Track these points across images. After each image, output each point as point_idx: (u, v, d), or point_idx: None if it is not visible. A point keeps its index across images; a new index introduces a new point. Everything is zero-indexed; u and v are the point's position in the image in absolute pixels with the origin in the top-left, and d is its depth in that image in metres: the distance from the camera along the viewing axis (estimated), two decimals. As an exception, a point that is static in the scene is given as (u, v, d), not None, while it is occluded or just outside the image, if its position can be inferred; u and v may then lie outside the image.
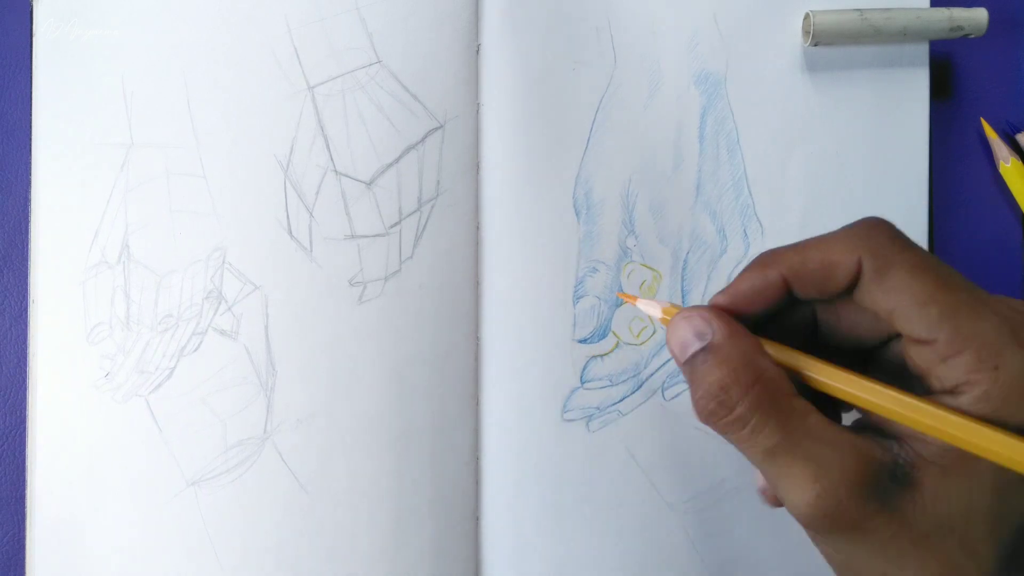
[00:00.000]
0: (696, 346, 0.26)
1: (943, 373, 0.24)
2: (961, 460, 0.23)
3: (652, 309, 0.29)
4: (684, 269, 0.37)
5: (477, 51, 0.37)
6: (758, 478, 0.27)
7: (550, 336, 0.37)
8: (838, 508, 0.23)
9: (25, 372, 0.37)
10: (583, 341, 0.37)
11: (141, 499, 0.35)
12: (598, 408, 0.37)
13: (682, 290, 0.37)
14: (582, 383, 0.37)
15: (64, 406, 0.35)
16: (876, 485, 0.23)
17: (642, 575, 0.37)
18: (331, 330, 0.36)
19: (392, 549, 0.35)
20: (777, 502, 0.26)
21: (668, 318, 0.27)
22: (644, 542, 0.37)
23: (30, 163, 0.36)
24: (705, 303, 0.27)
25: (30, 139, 0.36)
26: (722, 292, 0.27)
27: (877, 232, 0.25)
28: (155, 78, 0.36)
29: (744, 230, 0.38)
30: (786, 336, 0.27)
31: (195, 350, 0.36)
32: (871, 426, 0.26)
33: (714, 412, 0.25)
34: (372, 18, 0.36)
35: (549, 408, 0.36)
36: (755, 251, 0.38)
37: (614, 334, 0.37)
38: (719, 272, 0.38)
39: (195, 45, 0.36)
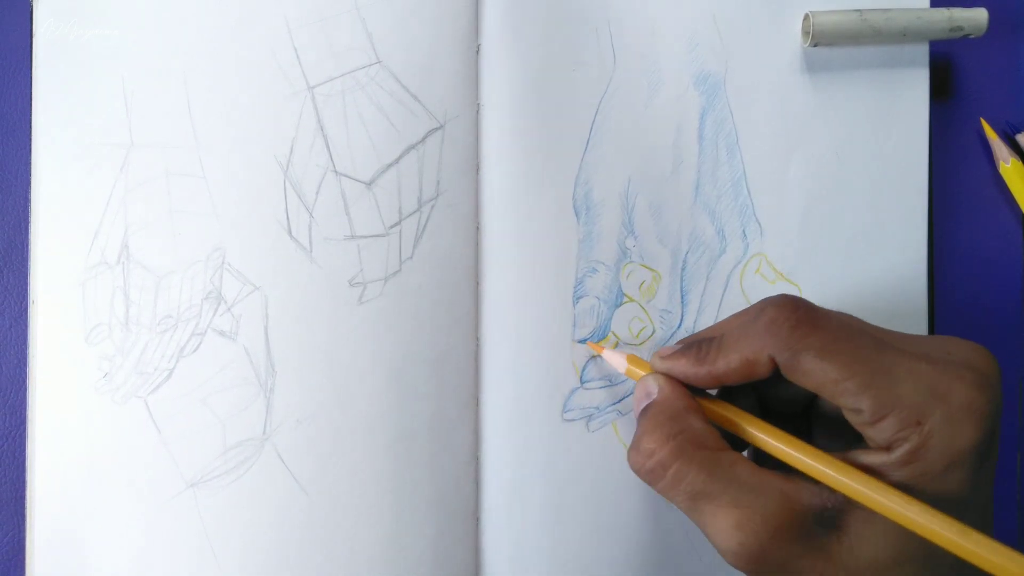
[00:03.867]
0: (644, 403, 0.29)
1: (874, 435, 0.25)
2: None
3: (616, 360, 0.33)
4: (683, 269, 0.37)
5: (477, 51, 0.37)
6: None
7: (550, 336, 0.37)
8: (761, 552, 0.24)
9: (25, 372, 0.37)
10: (583, 341, 0.37)
11: (140, 500, 0.35)
12: (598, 408, 0.37)
13: (681, 290, 0.37)
14: (582, 383, 0.37)
15: (63, 407, 0.35)
16: (801, 528, 0.25)
17: (642, 575, 0.37)
18: (331, 331, 0.36)
19: (392, 549, 0.35)
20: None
21: (632, 369, 0.32)
22: (644, 542, 0.37)
23: (30, 163, 0.36)
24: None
25: (30, 139, 0.36)
26: (661, 357, 0.30)
27: (778, 325, 0.26)
28: (155, 78, 0.36)
29: (743, 230, 0.38)
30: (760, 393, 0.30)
31: (194, 351, 0.36)
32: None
33: (636, 461, 0.28)
34: (372, 18, 0.36)
35: (549, 408, 0.36)
36: (754, 251, 0.38)
37: (613, 334, 0.37)
38: (718, 272, 0.38)
39: (195, 45, 0.36)
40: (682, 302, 0.37)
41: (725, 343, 0.28)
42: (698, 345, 0.29)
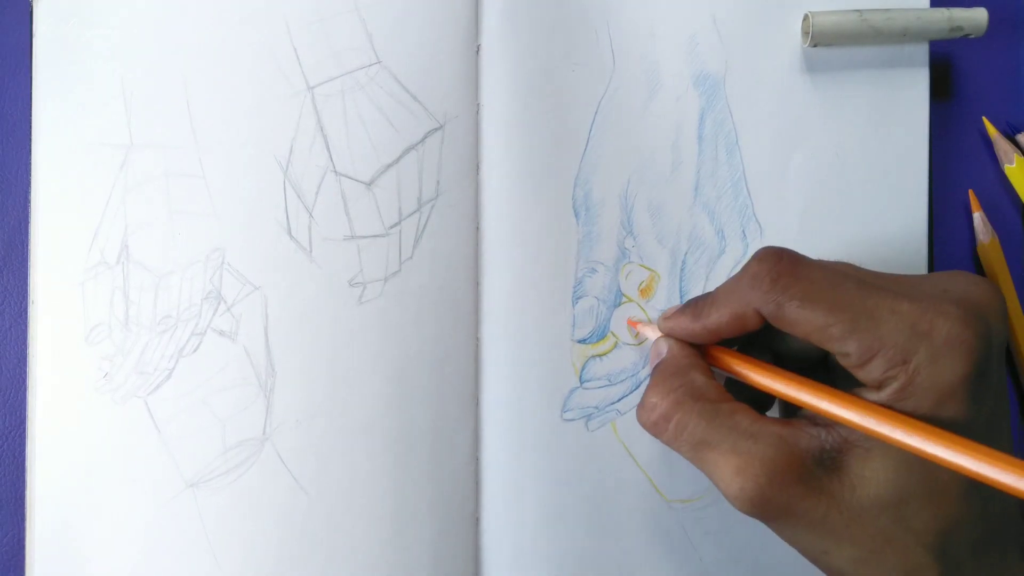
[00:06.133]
0: (655, 363, 0.31)
1: (864, 376, 0.26)
2: (882, 446, 0.25)
3: (651, 333, 0.34)
4: (682, 270, 0.37)
5: (477, 51, 0.37)
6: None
7: (549, 336, 0.37)
8: (762, 496, 0.25)
9: (25, 372, 0.37)
10: (582, 341, 0.37)
11: (140, 500, 0.35)
12: (597, 408, 0.37)
13: (680, 290, 0.37)
14: (581, 383, 0.37)
15: (63, 407, 0.35)
16: (801, 471, 0.25)
17: (642, 575, 0.37)
18: (331, 331, 0.36)
19: (392, 549, 0.35)
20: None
21: (645, 333, 0.34)
22: (644, 541, 0.37)
23: (30, 163, 0.36)
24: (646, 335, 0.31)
25: (30, 139, 0.36)
26: (664, 317, 0.32)
27: (760, 279, 0.27)
28: (155, 78, 0.36)
29: (743, 231, 0.38)
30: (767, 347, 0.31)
31: (194, 351, 0.36)
32: (805, 416, 0.28)
33: (641, 415, 0.29)
34: (372, 18, 0.36)
35: (548, 408, 0.36)
36: (753, 252, 0.38)
37: (613, 334, 0.37)
38: (717, 272, 0.38)
39: (195, 45, 0.36)
40: (681, 303, 0.37)
41: (717, 299, 0.29)
42: (694, 303, 0.31)
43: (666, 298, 0.37)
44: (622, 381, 0.37)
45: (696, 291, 0.37)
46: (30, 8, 0.37)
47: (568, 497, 0.36)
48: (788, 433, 0.26)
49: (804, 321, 0.26)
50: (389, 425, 0.36)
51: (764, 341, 0.31)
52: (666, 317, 0.32)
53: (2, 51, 0.38)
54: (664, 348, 0.31)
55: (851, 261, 0.38)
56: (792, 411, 0.32)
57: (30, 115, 0.37)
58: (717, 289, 0.30)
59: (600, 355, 0.37)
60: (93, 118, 0.36)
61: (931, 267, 0.39)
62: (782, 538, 0.27)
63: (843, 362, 0.26)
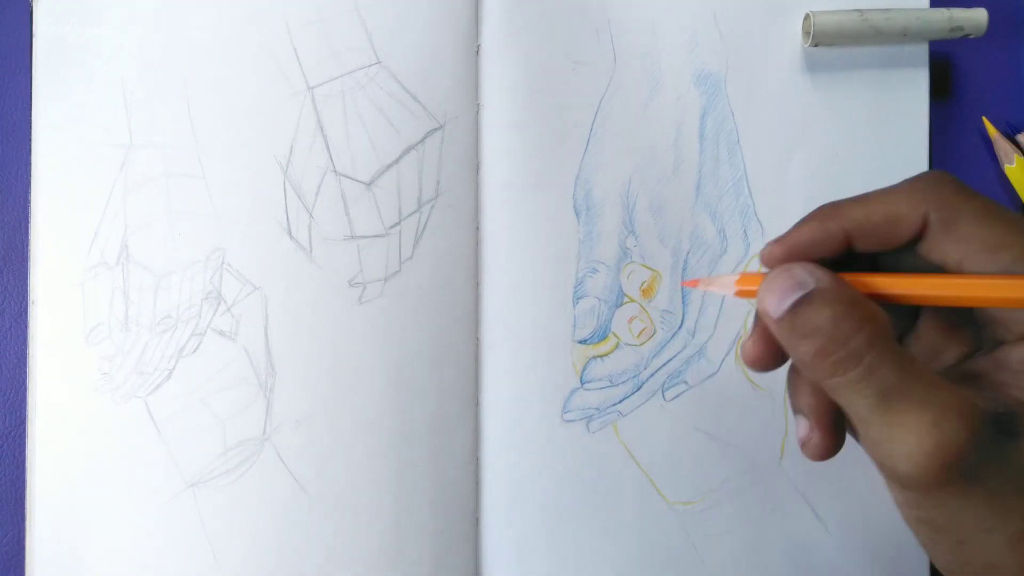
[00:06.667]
0: (798, 294, 0.24)
1: (1018, 317, 0.23)
2: None
3: (724, 287, 0.27)
4: (684, 270, 0.37)
5: (477, 51, 0.37)
6: (800, 428, 0.26)
7: (550, 336, 0.37)
8: (959, 456, 0.22)
9: (25, 372, 0.37)
10: (583, 342, 0.37)
11: (140, 500, 0.35)
12: (598, 409, 0.37)
13: (682, 291, 0.37)
14: (582, 384, 0.37)
15: (63, 407, 0.35)
16: (986, 434, 0.23)
17: (642, 575, 0.37)
18: (331, 331, 0.36)
19: (392, 549, 0.35)
20: (825, 446, 0.25)
21: (744, 287, 0.26)
22: (644, 542, 0.37)
23: (30, 163, 0.36)
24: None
25: (30, 139, 0.36)
26: (777, 242, 0.26)
27: (942, 184, 0.25)
28: (155, 78, 0.36)
29: (744, 230, 0.38)
30: None
31: (194, 351, 0.36)
32: (965, 378, 0.25)
33: (824, 349, 0.23)
34: (372, 19, 0.36)
35: (549, 408, 0.36)
36: (755, 251, 0.38)
37: (614, 335, 0.37)
38: (719, 272, 0.38)
39: (195, 45, 0.36)
40: (683, 302, 0.37)
41: (868, 197, 0.25)
42: (823, 208, 0.26)
43: (667, 298, 0.37)
44: (623, 382, 0.37)
45: (698, 291, 0.37)
46: (30, 8, 0.37)
47: (568, 497, 0.36)
48: (967, 393, 0.23)
49: (974, 239, 0.24)
50: (389, 425, 0.36)
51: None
52: (776, 241, 0.26)
53: (2, 51, 0.38)
54: (809, 277, 0.24)
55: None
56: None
57: (30, 115, 0.36)
58: (863, 194, 0.26)
59: (601, 356, 0.37)
60: (93, 118, 0.36)
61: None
62: (936, 517, 0.24)
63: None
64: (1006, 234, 0.24)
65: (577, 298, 0.37)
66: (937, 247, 0.25)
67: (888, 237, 0.25)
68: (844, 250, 0.26)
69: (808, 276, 0.24)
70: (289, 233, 0.36)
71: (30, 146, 0.36)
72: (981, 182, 0.40)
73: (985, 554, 0.23)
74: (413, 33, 0.36)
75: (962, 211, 0.24)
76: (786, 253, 0.26)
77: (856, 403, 0.23)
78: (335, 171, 0.36)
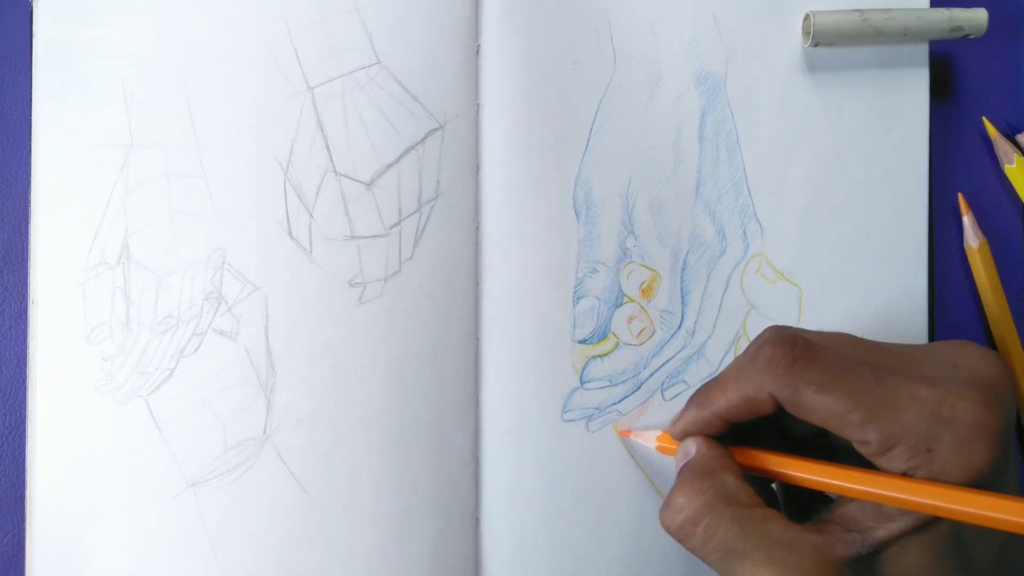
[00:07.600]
0: (682, 463, 0.29)
1: (886, 463, 0.25)
2: (918, 539, 0.25)
3: (646, 441, 0.34)
4: (684, 270, 0.37)
5: (477, 51, 0.37)
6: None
7: (550, 336, 0.37)
8: None
9: (25, 372, 0.37)
10: (583, 341, 0.37)
11: (141, 500, 0.35)
12: (598, 408, 0.37)
13: (681, 291, 0.37)
14: (582, 383, 0.37)
15: (64, 407, 0.35)
16: None
17: (642, 575, 0.37)
18: (331, 331, 0.36)
19: (392, 549, 0.35)
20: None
21: (663, 445, 0.33)
22: (644, 542, 0.37)
23: (30, 163, 0.36)
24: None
25: (30, 139, 0.36)
26: (673, 424, 0.31)
27: (775, 363, 0.26)
28: (155, 78, 0.36)
29: (744, 230, 0.38)
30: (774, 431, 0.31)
31: (195, 351, 0.36)
32: (835, 521, 0.26)
33: (666, 517, 0.27)
34: (372, 19, 0.36)
35: (549, 408, 0.36)
36: (754, 251, 0.38)
37: (614, 334, 0.37)
38: (718, 272, 0.38)
39: (195, 45, 0.36)
40: (682, 302, 0.37)
41: (724, 383, 0.28)
42: (697, 394, 0.30)
43: (667, 298, 0.37)
44: (623, 382, 0.37)
45: (696, 291, 0.37)
46: (30, 8, 0.37)
47: (568, 497, 0.36)
48: (823, 541, 0.25)
49: (822, 407, 0.25)
50: (389, 425, 0.36)
51: (766, 425, 0.30)
52: (674, 421, 0.30)
53: (2, 51, 0.38)
54: (692, 447, 0.29)
55: (851, 261, 0.38)
56: (802, 509, 0.31)
57: (30, 115, 0.36)
58: (721, 374, 0.29)
59: (601, 355, 0.37)
60: (93, 118, 0.36)
61: (931, 267, 0.39)
62: None
63: (862, 450, 0.25)
64: (848, 397, 0.25)
65: (577, 298, 0.37)
66: (797, 416, 0.26)
67: (754, 413, 0.28)
68: (728, 426, 0.29)
69: (691, 446, 0.29)
70: (289, 233, 0.36)
71: (30, 146, 0.36)
72: (981, 182, 0.40)
73: None
74: (413, 33, 0.36)
75: (799, 388, 0.26)
76: (681, 432, 0.30)
77: (707, 559, 0.26)
78: (335, 171, 0.36)
